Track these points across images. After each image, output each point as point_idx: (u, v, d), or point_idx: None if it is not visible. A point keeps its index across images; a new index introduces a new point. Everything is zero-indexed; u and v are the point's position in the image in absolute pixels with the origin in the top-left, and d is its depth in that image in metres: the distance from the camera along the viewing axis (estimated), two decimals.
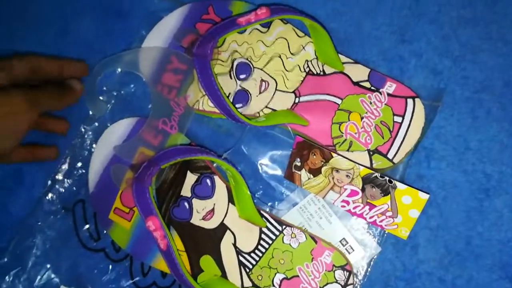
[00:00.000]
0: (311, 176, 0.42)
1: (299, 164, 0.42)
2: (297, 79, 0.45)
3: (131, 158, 0.46)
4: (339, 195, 0.41)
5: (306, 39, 0.45)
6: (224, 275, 0.42)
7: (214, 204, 0.43)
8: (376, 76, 0.43)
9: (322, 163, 0.41)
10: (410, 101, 0.41)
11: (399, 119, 0.41)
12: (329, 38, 0.43)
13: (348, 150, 0.42)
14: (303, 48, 0.45)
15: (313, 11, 0.47)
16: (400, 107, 0.42)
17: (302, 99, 0.44)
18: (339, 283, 0.38)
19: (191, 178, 0.44)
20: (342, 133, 0.42)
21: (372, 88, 0.43)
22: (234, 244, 0.42)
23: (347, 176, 0.40)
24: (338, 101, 0.43)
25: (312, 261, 0.39)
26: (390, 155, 0.41)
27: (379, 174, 0.39)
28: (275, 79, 0.45)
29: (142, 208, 0.41)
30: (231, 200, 0.43)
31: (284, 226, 0.41)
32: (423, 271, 0.43)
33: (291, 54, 0.45)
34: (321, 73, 0.44)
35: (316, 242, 0.39)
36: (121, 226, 0.45)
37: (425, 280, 0.42)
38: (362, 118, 0.42)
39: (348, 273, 0.39)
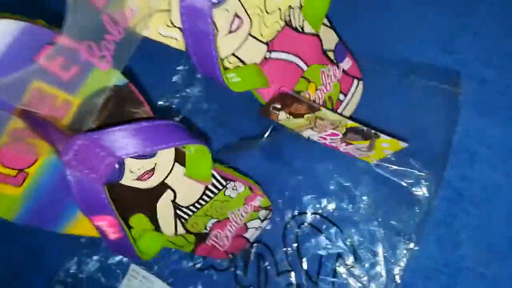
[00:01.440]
0: (291, 117, 0.37)
1: (278, 107, 0.36)
2: (275, 27, 0.36)
3: (17, 97, 0.27)
4: (318, 133, 0.38)
5: None
6: (157, 229, 0.39)
7: (156, 163, 0.36)
8: (341, 48, 0.40)
9: (308, 112, 0.36)
10: (355, 81, 0.43)
11: (342, 97, 0.43)
12: None
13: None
14: None
15: None
16: (347, 85, 0.43)
17: (273, 55, 0.37)
18: (259, 219, 0.44)
19: None
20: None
21: (334, 60, 0.41)
22: (173, 201, 0.38)
23: (331, 124, 0.37)
24: (304, 67, 0.39)
25: (243, 205, 0.42)
26: None
27: (366, 128, 0.36)
28: (251, 19, 0.35)
29: (90, 206, 0.30)
30: (178, 159, 0.36)
31: (228, 181, 0.40)
32: (464, 266, 0.40)
33: None
34: (300, 29, 0.38)
35: (252, 190, 0.41)
36: (4, 194, 0.31)
37: (466, 274, 0.40)
38: (316, 89, 0.41)
39: (269, 211, 0.43)
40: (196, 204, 0.37)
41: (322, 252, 0.43)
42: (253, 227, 0.42)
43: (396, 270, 0.40)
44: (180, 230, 0.37)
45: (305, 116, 0.36)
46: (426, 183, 0.40)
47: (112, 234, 0.30)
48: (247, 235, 0.42)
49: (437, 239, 0.41)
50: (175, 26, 0.29)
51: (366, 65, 0.41)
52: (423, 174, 0.40)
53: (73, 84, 0.26)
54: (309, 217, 0.43)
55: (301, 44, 0.35)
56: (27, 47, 0.24)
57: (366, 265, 0.41)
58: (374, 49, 0.42)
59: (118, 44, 0.27)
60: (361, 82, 0.40)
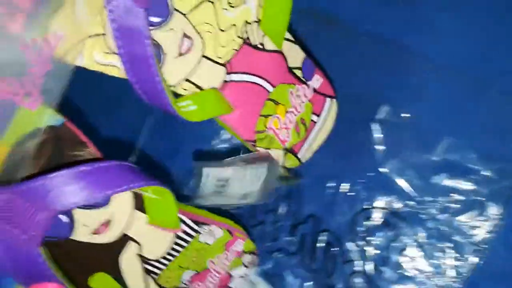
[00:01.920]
0: None
1: None
2: (231, 45, 0.31)
3: None
4: None
5: None
6: (124, 286, 0.32)
7: (112, 212, 0.30)
8: (309, 64, 0.36)
9: None
10: (328, 100, 0.38)
11: (315, 118, 0.38)
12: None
13: (267, 148, 0.36)
14: (244, 0, 0.31)
15: None
16: (320, 105, 0.38)
17: (233, 77, 0.32)
18: (244, 265, 0.38)
19: None
20: (266, 128, 0.35)
21: (302, 78, 0.36)
22: (139, 254, 0.32)
23: None
24: (270, 88, 0.34)
25: (223, 252, 0.36)
26: (299, 154, 0.39)
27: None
28: (202, 38, 0.30)
29: (26, 274, 0.24)
30: (138, 205, 0.30)
31: (201, 225, 0.33)
32: None
33: (229, 4, 0.30)
34: (260, 46, 0.33)
35: (232, 234, 0.35)
36: None
37: None
38: (286, 112, 0.36)
39: (254, 255, 0.38)
40: (167, 256, 0.31)
41: (388, 244, 0.40)
42: (238, 275, 0.36)
43: (463, 270, 0.38)
44: (153, 286, 0.31)
45: None
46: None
47: None
48: (232, 285, 0.36)
49: (507, 243, 0.38)
50: (114, 53, 0.24)
51: None
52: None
53: None
54: (378, 211, 0.40)
55: (264, 63, 0.31)
56: None
57: (434, 262, 0.39)
58: None
59: (46, 78, 0.22)
60: (334, 100, 0.36)
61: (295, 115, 0.35)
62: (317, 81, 0.36)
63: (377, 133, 0.40)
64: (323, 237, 0.41)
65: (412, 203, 0.40)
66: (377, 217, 0.41)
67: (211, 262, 0.34)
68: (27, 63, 0.22)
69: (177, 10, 0.27)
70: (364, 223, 0.41)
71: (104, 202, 0.27)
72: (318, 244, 0.41)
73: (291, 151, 0.36)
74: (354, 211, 0.41)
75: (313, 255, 0.41)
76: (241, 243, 0.35)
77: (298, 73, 0.34)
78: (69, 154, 0.26)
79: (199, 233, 0.33)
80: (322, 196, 0.41)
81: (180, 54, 0.28)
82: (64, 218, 0.26)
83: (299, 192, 0.41)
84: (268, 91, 0.33)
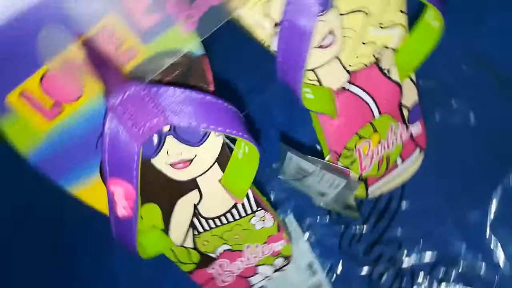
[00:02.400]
0: None
1: None
2: (364, 60, 0.32)
3: (89, 23, 0.23)
4: None
5: (402, 17, 0.31)
6: (166, 230, 0.32)
7: (196, 155, 0.29)
8: (417, 110, 0.36)
9: None
10: (417, 150, 0.38)
11: (399, 162, 0.37)
12: (436, 41, 0.30)
13: (346, 167, 0.36)
14: (393, 27, 0.31)
15: None
16: (409, 151, 0.37)
17: (352, 87, 0.32)
18: (273, 266, 0.37)
19: None
20: (354, 148, 0.35)
21: (406, 119, 0.36)
22: (196, 205, 0.31)
23: None
24: (376, 114, 0.34)
25: (263, 243, 0.35)
26: (370, 188, 0.38)
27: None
28: (343, 41, 0.30)
29: (115, 163, 0.24)
30: (220, 160, 0.30)
31: (259, 208, 0.33)
32: None
33: (379, 23, 0.31)
34: (386, 72, 0.33)
35: (279, 230, 0.34)
36: (28, 121, 0.25)
37: None
38: (378, 142, 0.36)
39: (287, 262, 0.36)
40: (217, 220, 0.32)
41: None
42: (262, 274, 0.35)
43: None
44: (189, 242, 0.31)
45: None
46: None
47: (122, 209, 0.24)
48: (252, 279, 0.35)
49: None
50: (269, 16, 0.26)
51: None
52: None
53: (148, 33, 0.23)
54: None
55: (382, 89, 0.32)
56: None
57: None
58: None
59: (209, 10, 0.24)
60: (423, 153, 0.36)
61: (384, 149, 0.35)
62: (417, 128, 0.36)
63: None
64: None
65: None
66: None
67: (248, 247, 0.34)
68: None
69: (335, 7, 0.28)
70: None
71: (197, 142, 0.28)
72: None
73: (364, 181, 0.36)
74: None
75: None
76: (282, 244, 0.35)
77: (405, 113, 0.35)
78: (190, 85, 0.27)
79: (254, 214, 0.33)
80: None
81: (320, 46, 0.29)
82: (156, 138, 0.27)
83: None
84: (374, 115, 0.33)
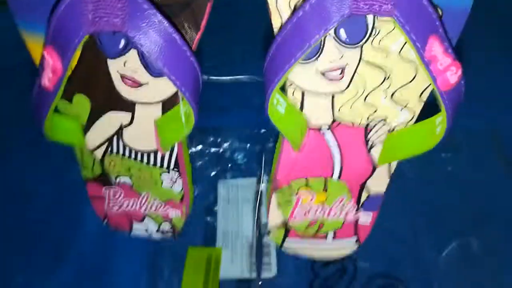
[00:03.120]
0: None
1: None
2: (355, 116, 0.29)
3: None
4: None
5: (418, 104, 0.28)
6: (85, 129, 0.30)
7: (148, 83, 0.28)
8: (377, 201, 0.32)
9: None
10: (354, 239, 0.34)
11: (329, 238, 0.34)
12: (432, 146, 0.27)
13: (278, 203, 0.33)
14: (404, 107, 0.28)
15: None
16: (344, 234, 0.34)
17: (327, 134, 0.29)
18: (158, 226, 0.36)
19: None
20: (296, 191, 0.32)
21: (360, 203, 0.32)
22: (122, 127, 0.30)
23: None
24: (336, 175, 0.31)
25: (161, 202, 0.34)
26: (287, 242, 0.35)
27: None
28: (348, 87, 0.27)
29: (56, 36, 0.23)
30: (166, 103, 0.29)
31: (176, 169, 0.32)
32: None
33: (393, 95, 0.27)
34: (369, 144, 0.30)
35: (182, 200, 0.33)
36: None
37: None
38: (321, 203, 0.32)
39: (172, 231, 0.36)
40: (133, 153, 0.31)
41: None
42: (145, 225, 0.34)
43: None
44: (98, 153, 0.30)
45: None
46: None
47: (46, 80, 0.23)
48: (135, 224, 0.34)
49: None
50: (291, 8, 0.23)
51: None
52: None
53: None
54: None
55: (355, 156, 0.29)
56: None
57: None
58: None
59: None
60: (357, 244, 0.32)
61: (323, 215, 0.32)
62: (366, 218, 0.32)
63: None
64: None
65: None
66: None
67: (147, 194, 0.33)
68: None
69: (359, 47, 0.25)
70: None
71: (156, 73, 0.26)
72: None
73: (287, 230, 0.33)
74: None
75: None
76: (177, 215, 0.34)
77: (364, 196, 0.31)
78: (179, 19, 0.25)
79: (167, 171, 0.31)
80: None
81: (322, 73, 0.26)
82: (122, 43, 0.26)
83: None
84: (332, 174, 0.30)
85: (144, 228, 0.35)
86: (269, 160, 0.35)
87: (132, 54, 0.26)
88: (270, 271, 0.35)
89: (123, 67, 0.27)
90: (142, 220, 0.34)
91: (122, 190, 0.33)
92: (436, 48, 0.22)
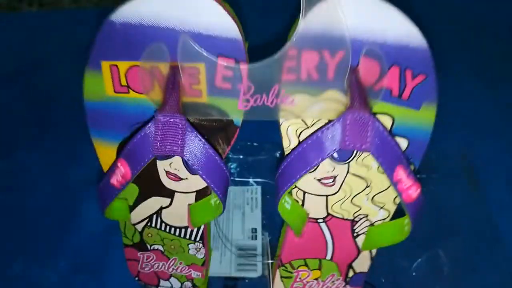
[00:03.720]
0: None
1: None
2: (344, 213, 0.37)
3: (187, 60, 0.31)
4: None
5: (392, 206, 0.36)
6: (131, 208, 0.39)
7: (187, 178, 0.37)
8: (360, 278, 0.40)
9: None
10: None
11: None
12: (401, 239, 0.35)
13: (282, 277, 0.41)
14: (381, 208, 0.36)
15: None
16: None
17: (322, 225, 0.38)
18: (181, 283, 0.43)
19: None
20: (296, 268, 0.40)
21: (348, 279, 0.40)
22: (162, 208, 0.38)
23: None
24: (329, 256, 0.39)
25: (186, 265, 0.42)
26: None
27: None
28: (338, 191, 0.36)
29: (130, 153, 0.32)
30: (199, 193, 0.37)
31: (201, 241, 0.39)
32: None
33: (372, 198, 0.36)
34: (355, 234, 0.38)
35: (203, 265, 0.41)
36: (103, 82, 0.33)
37: None
38: (316, 279, 0.40)
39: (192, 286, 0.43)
40: (168, 227, 0.39)
41: None
42: (170, 283, 0.43)
43: None
44: (139, 226, 0.39)
45: None
46: None
47: (115, 180, 0.33)
48: (162, 281, 0.43)
49: None
50: (297, 137, 0.33)
51: None
52: None
53: (217, 90, 0.32)
54: None
55: (344, 243, 0.37)
56: None
57: None
58: None
59: (263, 108, 0.32)
60: None
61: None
62: None
63: None
64: None
65: None
66: None
67: (174, 259, 0.42)
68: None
69: (347, 164, 0.34)
70: None
71: (192, 172, 0.36)
72: None
73: None
74: None
75: None
76: (198, 275, 0.42)
77: (350, 273, 0.39)
78: (215, 138, 0.35)
79: (194, 242, 0.40)
80: None
81: (319, 180, 0.35)
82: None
83: None
84: (326, 256, 0.38)
85: (169, 285, 0.43)
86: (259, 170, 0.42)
87: (177, 158, 0.36)
88: (255, 271, 0.44)
89: (168, 166, 0.36)
90: (168, 278, 0.43)
91: (155, 255, 0.42)
92: (401, 173, 0.31)
